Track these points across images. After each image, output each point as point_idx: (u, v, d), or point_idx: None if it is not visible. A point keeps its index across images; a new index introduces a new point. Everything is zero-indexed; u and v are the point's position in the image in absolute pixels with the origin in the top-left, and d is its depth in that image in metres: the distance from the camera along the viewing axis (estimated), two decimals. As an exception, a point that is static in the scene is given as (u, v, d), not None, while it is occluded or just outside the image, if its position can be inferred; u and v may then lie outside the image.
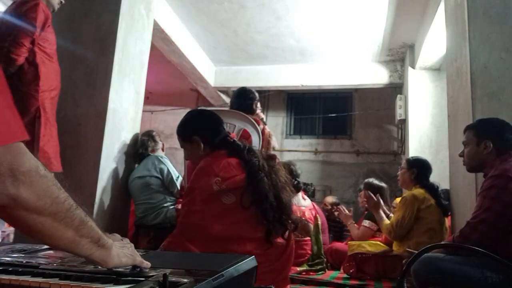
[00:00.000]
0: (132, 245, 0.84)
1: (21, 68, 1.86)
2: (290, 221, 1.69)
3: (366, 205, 3.55)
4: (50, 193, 0.63)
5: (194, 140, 1.78)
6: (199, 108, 2.12)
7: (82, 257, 0.72)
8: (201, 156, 1.77)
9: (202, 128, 1.82)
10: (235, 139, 1.86)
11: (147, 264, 0.81)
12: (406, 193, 2.95)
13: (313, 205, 3.52)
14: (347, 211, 3.53)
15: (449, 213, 2.85)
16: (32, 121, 1.81)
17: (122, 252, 0.77)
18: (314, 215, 3.38)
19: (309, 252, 3.25)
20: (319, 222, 3.44)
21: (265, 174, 1.67)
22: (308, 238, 3.25)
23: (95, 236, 0.71)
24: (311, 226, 3.30)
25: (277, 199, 1.66)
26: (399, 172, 3.05)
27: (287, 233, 1.70)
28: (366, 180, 3.63)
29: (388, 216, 3.04)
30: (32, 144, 1.78)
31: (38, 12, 1.89)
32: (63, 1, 2.18)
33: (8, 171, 0.57)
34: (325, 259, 3.37)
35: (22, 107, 1.79)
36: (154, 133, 3.11)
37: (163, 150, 3.15)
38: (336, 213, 3.79)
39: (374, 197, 3.02)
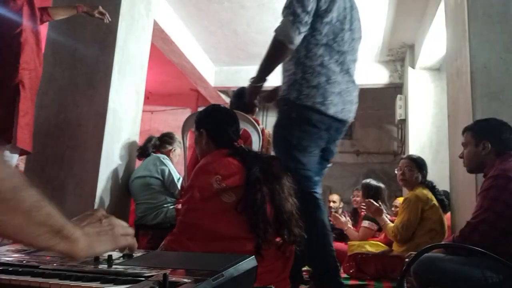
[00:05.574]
0: (115, 226, 0.73)
1: (6, 40, 1.89)
2: (290, 235, 1.64)
3: (361, 206, 3.55)
4: None
5: (201, 132, 1.82)
6: (216, 104, 2.14)
7: (44, 249, 0.63)
8: (203, 149, 1.80)
9: (210, 123, 1.83)
10: (242, 145, 1.84)
11: (133, 245, 0.75)
12: (408, 194, 2.90)
13: None
14: (342, 218, 3.54)
15: (448, 211, 2.85)
16: (12, 96, 1.84)
17: (97, 240, 0.68)
18: None
19: None
20: None
21: (266, 185, 1.63)
22: None
23: (55, 225, 0.60)
24: None
25: (278, 212, 1.64)
26: (406, 172, 2.87)
27: (283, 245, 1.66)
28: (364, 181, 3.62)
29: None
30: (12, 119, 1.83)
31: None
32: None
33: None
34: None
35: (3, 80, 1.84)
36: (171, 134, 3.15)
37: (168, 154, 3.12)
38: (332, 219, 3.76)
39: (375, 203, 3.00)
